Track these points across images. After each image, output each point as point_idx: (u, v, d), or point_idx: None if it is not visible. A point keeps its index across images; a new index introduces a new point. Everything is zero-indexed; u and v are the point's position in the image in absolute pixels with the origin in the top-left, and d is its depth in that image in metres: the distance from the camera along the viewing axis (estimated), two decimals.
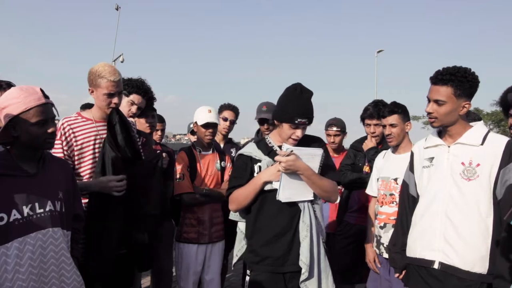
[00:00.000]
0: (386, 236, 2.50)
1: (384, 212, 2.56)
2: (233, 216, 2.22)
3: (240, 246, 2.26)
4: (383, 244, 2.52)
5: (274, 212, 2.05)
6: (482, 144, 1.86)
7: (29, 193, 1.61)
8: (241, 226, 2.24)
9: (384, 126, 2.65)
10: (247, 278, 2.13)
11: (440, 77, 1.87)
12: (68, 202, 1.78)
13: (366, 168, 3.07)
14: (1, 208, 1.53)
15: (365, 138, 3.24)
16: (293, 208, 2.05)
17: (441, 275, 1.86)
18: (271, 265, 2.05)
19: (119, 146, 2.18)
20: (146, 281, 3.87)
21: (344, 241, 3.12)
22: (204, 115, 2.87)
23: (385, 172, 2.61)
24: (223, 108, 3.53)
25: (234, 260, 2.28)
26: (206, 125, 2.86)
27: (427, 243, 1.93)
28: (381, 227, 2.56)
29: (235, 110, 3.57)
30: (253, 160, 2.15)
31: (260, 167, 2.12)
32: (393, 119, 2.58)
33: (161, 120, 3.58)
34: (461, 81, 1.84)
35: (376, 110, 3.00)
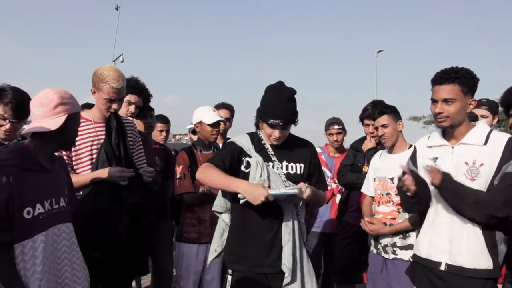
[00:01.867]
0: (383, 236, 2.52)
1: (381, 212, 2.57)
2: (217, 207, 2.17)
3: (220, 242, 2.17)
4: (380, 243, 2.53)
5: (255, 212, 2.00)
6: (485, 143, 1.87)
7: (48, 188, 1.69)
8: (225, 217, 2.16)
9: (376, 128, 2.66)
10: (229, 277, 2.08)
11: (446, 76, 1.88)
12: (71, 198, 1.86)
13: (365, 169, 3.07)
14: (29, 202, 1.58)
15: (364, 138, 3.24)
16: (275, 210, 2.00)
17: (448, 276, 1.88)
18: (248, 265, 2.03)
19: (114, 152, 2.21)
20: (146, 281, 3.87)
21: (344, 241, 3.12)
22: (210, 114, 2.89)
23: (382, 172, 2.63)
24: (218, 107, 3.54)
25: (211, 256, 2.18)
26: (215, 124, 2.87)
27: (433, 244, 1.94)
28: None
29: (229, 108, 3.58)
30: (243, 153, 2.09)
31: (248, 162, 2.06)
32: (383, 119, 2.60)
33: (166, 120, 3.56)
34: (466, 77, 1.86)
35: (375, 110, 3.00)
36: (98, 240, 2.07)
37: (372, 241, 2.64)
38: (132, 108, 2.72)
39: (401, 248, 2.43)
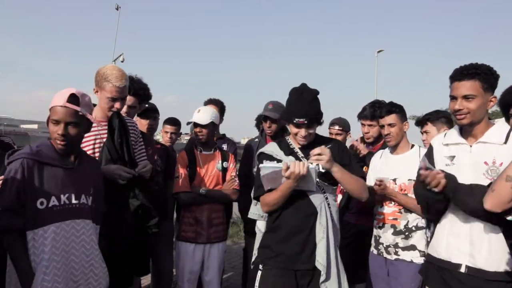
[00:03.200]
0: (384, 237, 2.50)
1: (382, 212, 2.55)
2: (252, 215, 2.31)
3: (257, 245, 2.28)
4: (382, 244, 2.52)
5: (291, 211, 2.11)
6: (505, 142, 1.82)
7: (67, 184, 1.79)
8: (260, 225, 2.31)
9: (382, 126, 2.63)
10: (259, 272, 2.17)
11: (466, 72, 1.84)
12: (97, 198, 1.94)
13: (365, 169, 3.06)
14: (42, 193, 1.71)
15: (361, 138, 3.23)
16: (310, 208, 2.09)
17: (467, 278, 1.84)
18: (283, 262, 2.10)
19: (117, 151, 2.22)
20: (146, 281, 3.87)
21: (343, 241, 3.09)
22: (194, 115, 2.91)
23: (384, 173, 2.59)
24: (205, 103, 3.58)
25: (252, 258, 2.31)
26: (194, 125, 2.91)
27: (453, 245, 1.90)
28: (380, 227, 2.55)
29: (215, 103, 3.57)
30: (273, 159, 2.18)
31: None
32: (391, 118, 2.56)
33: (175, 123, 3.52)
34: (486, 73, 1.83)
35: (372, 111, 2.98)
36: (101, 239, 2.08)
37: (372, 241, 2.63)
38: (124, 108, 2.70)
39: (404, 248, 2.41)
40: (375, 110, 2.94)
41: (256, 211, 2.30)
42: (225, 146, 3.46)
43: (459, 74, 1.86)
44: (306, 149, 2.18)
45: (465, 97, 1.84)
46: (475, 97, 1.82)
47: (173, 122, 3.54)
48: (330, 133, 3.46)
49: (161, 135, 3.62)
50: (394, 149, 2.63)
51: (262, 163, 2.10)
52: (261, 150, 2.30)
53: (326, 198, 2.15)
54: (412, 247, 2.38)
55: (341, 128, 3.42)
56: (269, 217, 2.23)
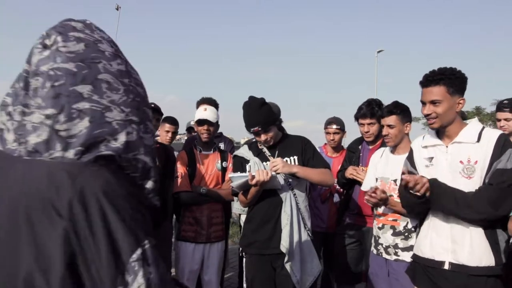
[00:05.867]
0: (384, 237, 2.50)
1: (383, 213, 2.55)
2: (236, 209, 2.60)
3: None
4: (381, 244, 2.52)
5: (261, 203, 2.41)
6: (478, 141, 1.90)
7: None
8: (243, 218, 2.66)
9: (383, 126, 2.63)
10: (244, 259, 2.51)
11: (431, 78, 1.92)
12: None
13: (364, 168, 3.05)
14: None
15: (361, 138, 3.22)
16: (277, 199, 2.39)
17: (451, 275, 1.89)
18: (257, 248, 2.41)
19: None
20: None
21: (343, 240, 3.11)
22: (198, 112, 2.89)
23: (384, 173, 2.60)
24: (202, 103, 3.56)
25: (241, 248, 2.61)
26: (199, 122, 2.88)
27: (435, 243, 1.96)
28: (380, 228, 2.55)
29: (211, 102, 3.56)
30: (244, 160, 2.52)
31: (250, 166, 2.46)
32: (390, 120, 2.54)
33: (174, 122, 3.62)
34: (450, 78, 1.90)
35: (369, 109, 2.95)
36: None
37: (372, 241, 2.63)
38: None
39: (403, 249, 2.42)
40: (373, 108, 2.93)
41: (238, 206, 2.64)
42: (222, 145, 3.46)
43: (426, 80, 1.94)
44: (274, 147, 2.50)
45: (433, 102, 1.92)
46: (441, 101, 1.90)
47: (174, 121, 3.60)
48: (328, 132, 3.45)
49: (160, 134, 3.65)
50: (394, 149, 2.62)
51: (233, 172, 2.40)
52: (234, 153, 2.63)
53: (292, 189, 2.42)
54: (412, 248, 2.37)
55: (339, 127, 3.43)
56: (248, 208, 2.54)
